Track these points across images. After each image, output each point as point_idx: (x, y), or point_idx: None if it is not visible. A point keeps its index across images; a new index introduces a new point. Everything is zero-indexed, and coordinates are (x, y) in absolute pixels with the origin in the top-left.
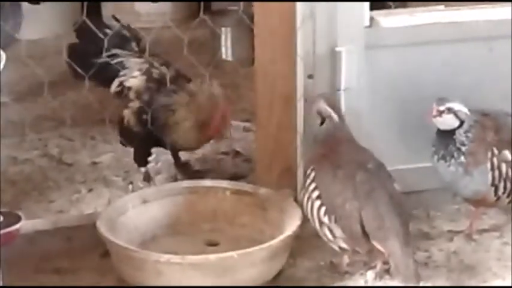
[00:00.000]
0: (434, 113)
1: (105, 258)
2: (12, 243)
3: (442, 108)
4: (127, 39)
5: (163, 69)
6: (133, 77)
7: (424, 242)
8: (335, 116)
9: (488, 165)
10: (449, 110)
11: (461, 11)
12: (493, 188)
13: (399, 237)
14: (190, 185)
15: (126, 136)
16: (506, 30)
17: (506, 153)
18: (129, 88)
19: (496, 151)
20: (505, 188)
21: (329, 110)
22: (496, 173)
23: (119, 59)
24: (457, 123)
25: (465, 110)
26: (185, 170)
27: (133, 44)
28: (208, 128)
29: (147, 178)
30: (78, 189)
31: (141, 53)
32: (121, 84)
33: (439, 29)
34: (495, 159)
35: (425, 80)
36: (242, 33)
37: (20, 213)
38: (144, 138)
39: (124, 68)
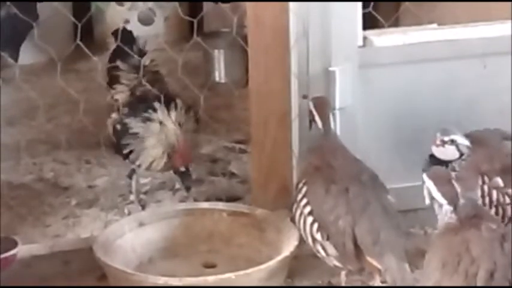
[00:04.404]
0: (438, 142)
1: (102, 282)
2: (9, 269)
3: (446, 138)
4: (130, 55)
5: (148, 87)
6: (121, 91)
7: (421, 260)
8: (319, 121)
9: (479, 192)
10: (452, 142)
11: (454, 29)
12: None
13: (395, 252)
14: (187, 207)
15: (109, 144)
16: (500, 47)
17: (498, 180)
18: (117, 100)
19: (486, 179)
20: (497, 213)
21: (314, 113)
22: (487, 199)
23: (118, 73)
24: (457, 155)
25: (467, 142)
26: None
27: (136, 59)
28: (174, 159)
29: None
30: (74, 213)
31: (140, 56)
32: (112, 97)
33: (432, 47)
34: (486, 187)
35: (420, 98)
36: (235, 55)
37: (17, 238)
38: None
39: (119, 81)
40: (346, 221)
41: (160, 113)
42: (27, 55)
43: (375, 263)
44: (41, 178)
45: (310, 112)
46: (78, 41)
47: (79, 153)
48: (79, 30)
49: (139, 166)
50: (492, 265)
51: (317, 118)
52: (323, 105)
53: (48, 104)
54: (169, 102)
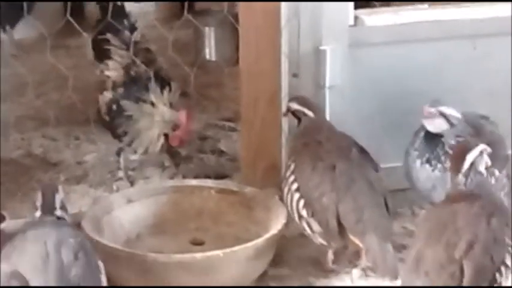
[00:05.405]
0: (425, 114)
1: None
2: None
3: (432, 110)
4: (121, 29)
5: (142, 68)
6: (114, 68)
7: (409, 240)
8: (309, 112)
9: None
10: (441, 113)
11: (445, 10)
12: None
13: (377, 231)
14: (175, 184)
15: (100, 120)
16: (490, 28)
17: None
18: (108, 77)
19: None
20: None
21: (301, 108)
22: None
23: (108, 46)
24: (446, 126)
25: (457, 114)
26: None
27: (127, 34)
28: (172, 137)
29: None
30: (63, 189)
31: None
32: (102, 71)
33: (423, 28)
34: None
35: (410, 78)
36: (226, 33)
37: (5, 213)
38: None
39: (109, 56)
40: (330, 198)
41: (153, 94)
42: (17, 30)
43: (357, 241)
44: (29, 154)
45: (297, 111)
46: (68, 17)
47: (68, 129)
48: (69, 6)
49: (135, 152)
50: (473, 237)
51: (307, 111)
52: (307, 100)
53: (37, 81)
54: (163, 85)
